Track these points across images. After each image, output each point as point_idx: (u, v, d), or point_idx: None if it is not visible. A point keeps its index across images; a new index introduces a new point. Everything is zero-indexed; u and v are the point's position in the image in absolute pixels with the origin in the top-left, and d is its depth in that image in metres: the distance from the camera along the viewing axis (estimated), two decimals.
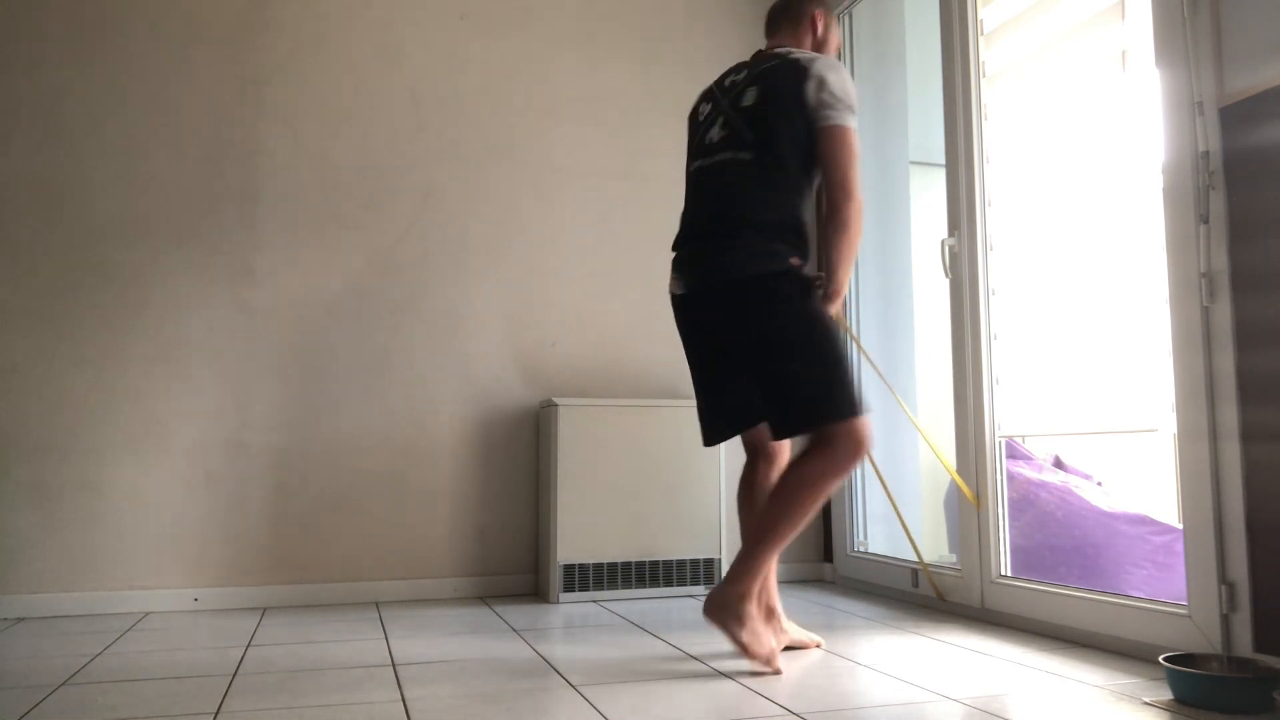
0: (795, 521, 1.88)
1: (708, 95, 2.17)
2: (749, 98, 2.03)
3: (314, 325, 2.91)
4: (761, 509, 1.95)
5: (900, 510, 3.18)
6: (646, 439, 2.92)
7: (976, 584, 2.52)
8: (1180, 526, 1.98)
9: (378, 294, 2.97)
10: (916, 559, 2.78)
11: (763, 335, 1.93)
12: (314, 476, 2.86)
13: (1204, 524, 1.90)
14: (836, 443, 1.87)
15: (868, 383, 3.23)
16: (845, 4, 3.31)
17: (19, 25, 2.75)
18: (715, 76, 3.37)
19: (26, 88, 2.74)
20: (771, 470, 2.17)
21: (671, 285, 2.10)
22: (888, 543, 3.09)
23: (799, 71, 2.00)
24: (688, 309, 2.08)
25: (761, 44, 3.47)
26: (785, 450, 2.19)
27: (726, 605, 1.91)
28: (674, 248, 2.12)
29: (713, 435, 2.16)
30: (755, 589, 1.94)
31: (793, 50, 2.08)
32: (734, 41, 3.43)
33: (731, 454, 3.14)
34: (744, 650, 1.91)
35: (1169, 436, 2.77)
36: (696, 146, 2.13)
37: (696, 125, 2.16)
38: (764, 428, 2.14)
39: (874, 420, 2.89)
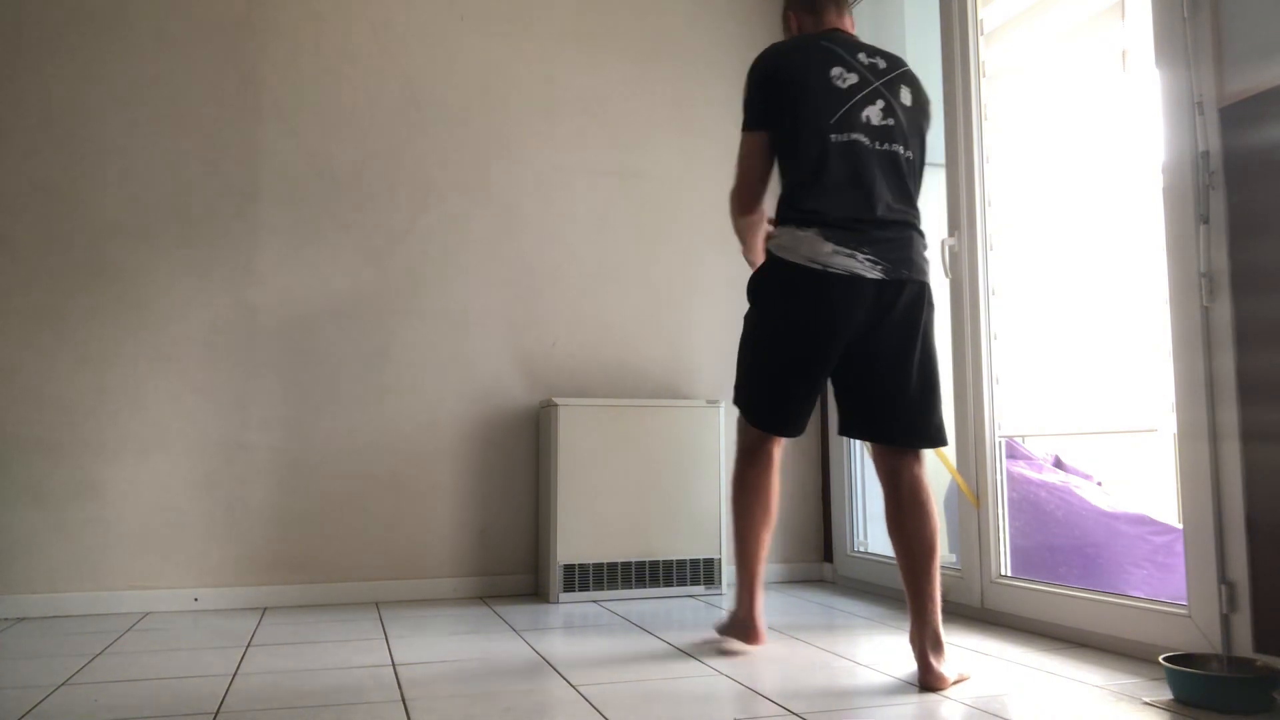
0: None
1: (835, 59, 2.02)
2: (906, 97, 2.06)
3: (314, 325, 2.91)
4: (915, 539, 1.92)
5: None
6: (646, 439, 2.92)
7: (976, 584, 2.52)
8: (1180, 526, 1.98)
9: (378, 294, 2.97)
10: None
11: (927, 340, 2.00)
12: (314, 476, 2.86)
13: (1204, 524, 1.90)
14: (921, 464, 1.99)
15: None
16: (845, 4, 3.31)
17: (19, 25, 2.75)
18: (715, 75, 3.37)
19: (27, 88, 2.74)
20: (775, 471, 2.15)
21: (846, 263, 1.90)
22: (888, 543, 3.08)
23: (923, 86, 2.13)
24: (866, 295, 1.91)
25: (759, 42, 3.48)
26: (779, 452, 2.17)
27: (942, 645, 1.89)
28: (834, 221, 1.93)
29: (790, 426, 2.07)
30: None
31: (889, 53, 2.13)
32: (734, 41, 3.43)
33: (731, 454, 3.13)
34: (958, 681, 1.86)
35: (1169, 436, 2.77)
36: (844, 116, 1.98)
37: (830, 87, 1.99)
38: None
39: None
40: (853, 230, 1.92)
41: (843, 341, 1.95)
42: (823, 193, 1.94)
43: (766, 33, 3.45)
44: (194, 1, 2.90)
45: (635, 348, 3.20)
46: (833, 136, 1.96)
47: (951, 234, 2.65)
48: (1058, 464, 3.09)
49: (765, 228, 2.13)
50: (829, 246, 1.91)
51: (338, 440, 2.89)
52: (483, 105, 3.14)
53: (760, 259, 2.10)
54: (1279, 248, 1.79)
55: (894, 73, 2.06)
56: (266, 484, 2.82)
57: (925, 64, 3.07)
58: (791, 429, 2.07)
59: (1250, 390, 1.83)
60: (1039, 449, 3.16)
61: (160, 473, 2.74)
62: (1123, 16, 2.19)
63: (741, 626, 2.16)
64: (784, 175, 2.05)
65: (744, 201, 2.11)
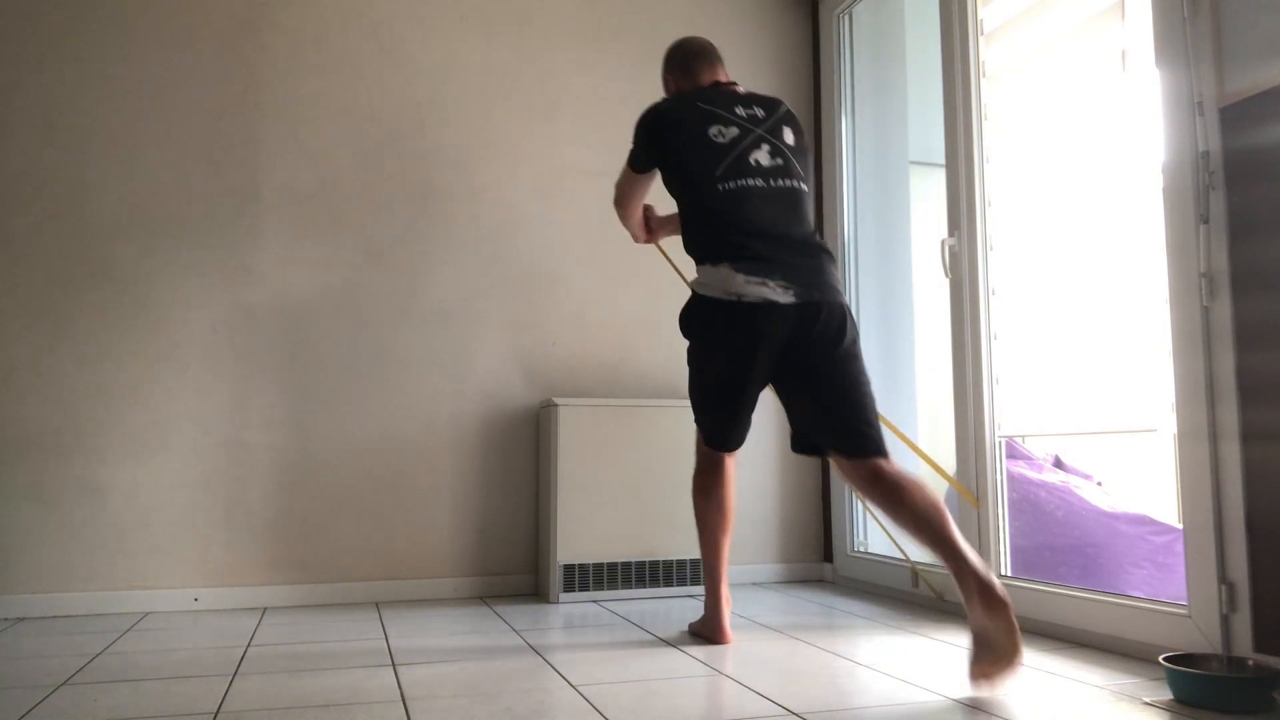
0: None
1: (711, 118, 2.21)
2: (789, 137, 2.25)
3: (314, 325, 2.91)
4: (929, 522, 1.91)
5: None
6: (646, 439, 2.92)
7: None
8: (1180, 526, 1.98)
9: (378, 294, 2.97)
10: (904, 559, 2.78)
11: (853, 356, 2.11)
12: (314, 476, 2.86)
13: (1204, 524, 1.90)
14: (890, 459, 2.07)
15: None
16: (845, 4, 3.31)
17: (19, 25, 2.75)
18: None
19: (27, 87, 2.74)
20: (730, 480, 2.31)
21: (759, 291, 2.05)
22: (887, 543, 3.09)
23: (800, 122, 2.35)
24: (784, 318, 2.05)
25: (758, 43, 3.48)
26: (731, 462, 2.33)
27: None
28: (742, 254, 2.08)
29: (731, 443, 2.27)
30: None
31: (765, 92, 2.43)
32: (734, 41, 3.43)
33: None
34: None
35: (1169, 436, 2.77)
36: (735, 164, 2.17)
37: (709, 144, 2.19)
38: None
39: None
40: (763, 260, 2.08)
41: (767, 363, 2.11)
42: (726, 232, 2.12)
43: (766, 33, 3.46)
44: (195, 1, 2.90)
45: (635, 348, 3.21)
46: (720, 186, 2.16)
47: (951, 234, 2.65)
48: (1058, 464, 3.10)
49: (640, 216, 2.55)
50: (741, 278, 2.07)
51: (338, 440, 2.89)
52: (483, 105, 3.14)
53: (639, 232, 2.57)
54: (1279, 248, 1.79)
55: (773, 118, 2.27)
56: (266, 484, 2.82)
57: (925, 64, 3.09)
58: (734, 445, 2.27)
59: (1250, 390, 1.83)
60: (1039, 449, 3.16)
61: (160, 473, 2.74)
62: (1123, 16, 2.19)
63: (710, 626, 2.27)
64: (685, 223, 2.24)
65: (621, 214, 2.53)
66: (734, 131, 2.20)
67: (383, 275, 2.98)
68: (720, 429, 2.24)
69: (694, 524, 2.91)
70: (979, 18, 2.60)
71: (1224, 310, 1.88)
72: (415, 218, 3.03)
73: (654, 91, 3.32)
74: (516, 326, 3.10)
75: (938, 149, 2.73)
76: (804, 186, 2.21)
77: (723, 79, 2.38)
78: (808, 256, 2.11)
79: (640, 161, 2.34)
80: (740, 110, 2.24)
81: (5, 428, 2.64)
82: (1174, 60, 1.99)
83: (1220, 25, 1.91)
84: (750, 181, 2.15)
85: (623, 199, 2.48)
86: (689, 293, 3.24)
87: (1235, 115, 1.87)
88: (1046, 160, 2.41)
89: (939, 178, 2.75)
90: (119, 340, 2.74)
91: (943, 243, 2.67)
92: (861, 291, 3.26)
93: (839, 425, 2.07)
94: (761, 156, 2.19)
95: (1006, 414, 2.49)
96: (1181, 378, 1.96)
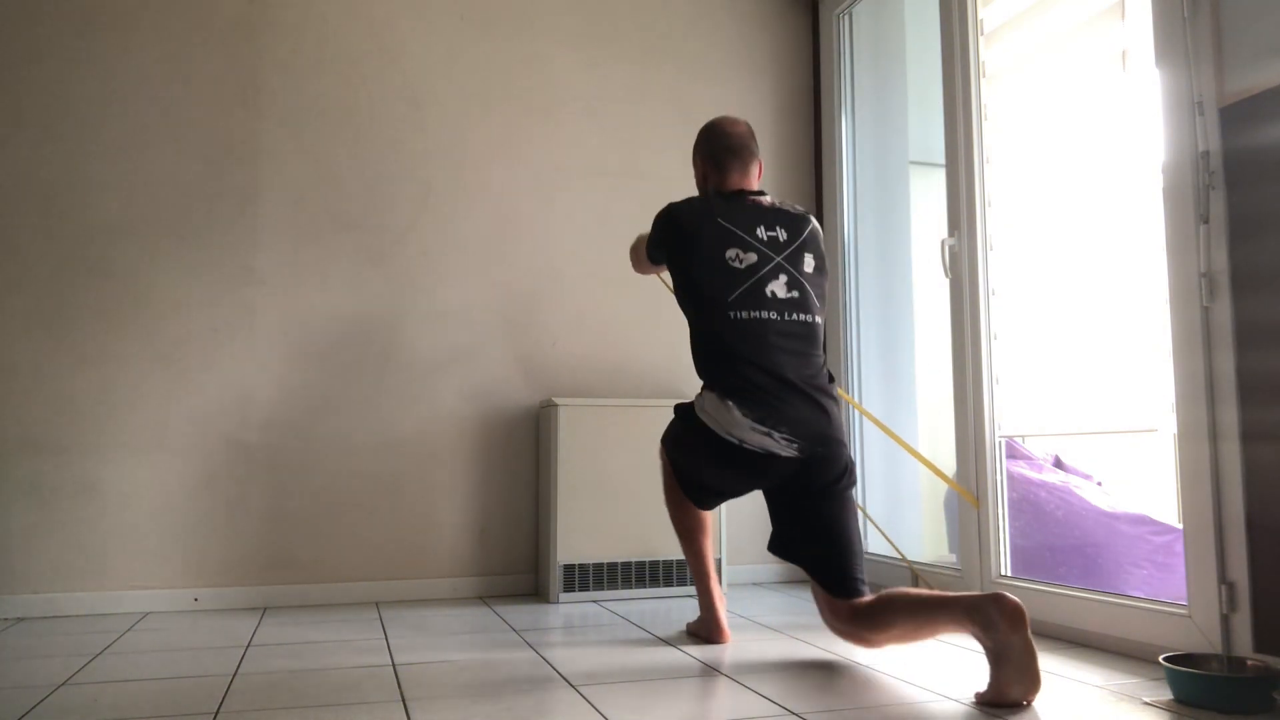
0: None
1: (731, 240, 2.15)
2: (808, 265, 2.19)
3: (314, 325, 2.91)
4: (907, 606, 1.89)
5: (895, 512, 3.18)
6: (646, 439, 2.91)
7: (976, 584, 2.51)
8: (1180, 526, 1.98)
9: (378, 294, 2.97)
10: (903, 559, 2.78)
11: (844, 504, 2.10)
12: (314, 476, 2.86)
13: (1204, 524, 1.90)
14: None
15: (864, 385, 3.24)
16: (845, 4, 3.31)
17: (19, 25, 2.75)
18: (714, 76, 3.37)
19: (27, 87, 2.74)
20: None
21: (762, 441, 2.02)
22: (888, 543, 3.09)
23: (821, 241, 2.27)
24: (785, 467, 2.05)
25: (758, 43, 3.48)
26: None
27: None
28: (749, 397, 2.04)
29: (710, 506, 2.30)
30: None
31: (794, 205, 2.31)
32: (734, 42, 3.43)
33: None
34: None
35: (1169, 436, 2.77)
36: (750, 294, 2.11)
37: (725, 268, 2.12)
38: None
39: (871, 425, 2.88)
40: (771, 407, 2.04)
41: (756, 488, 2.16)
42: (736, 366, 2.08)
43: (766, 33, 3.46)
44: (195, 1, 2.90)
45: (635, 348, 3.21)
46: (732, 314, 2.11)
47: (951, 234, 2.65)
48: (1058, 464, 3.09)
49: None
50: (747, 423, 2.03)
51: (338, 440, 2.89)
52: (483, 105, 3.14)
53: (645, 270, 2.48)
54: (1279, 248, 1.79)
55: (795, 243, 2.19)
56: (266, 484, 2.82)
57: (925, 64, 3.09)
58: (706, 508, 2.30)
59: (1250, 390, 1.83)
60: (1039, 449, 3.16)
61: (160, 473, 2.74)
62: (1123, 16, 2.19)
63: (707, 626, 2.27)
64: (694, 341, 2.19)
65: (633, 261, 2.52)
66: (752, 258, 2.13)
67: (383, 275, 2.98)
68: (700, 494, 2.26)
69: None
70: (979, 18, 2.60)
71: (1224, 310, 1.88)
72: (415, 218, 3.03)
73: (653, 92, 3.32)
74: (516, 326, 3.10)
75: (938, 149, 2.73)
76: (818, 320, 2.16)
77: (751, 186, 2.30)
78: (814, 406, 2.06)
79: (655, 255, 2.32)
80: (762, 232, 2.17)
81: (6, 428, 2.64)
82: (1174, 60, 1.99)
83: (1220, 25, 1.91)
84: (764, 314, 2.09)
85: (635, 261, 2.49)
86: None
87: (1235, 115, 1.87)
88: (1046, 160, 2.41)
89: (939, 178, 2.75)
90: (119, 340, 2.74)
91: (943, 243, 2.67)
92: (861, 291, 3.26)
93: (827, 566, 2.06)
94: (779, 288, 2.13)
95: (1006, 414, 2.49)
96: (1181, 378, 1.96)
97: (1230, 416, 1.86)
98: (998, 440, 2.52)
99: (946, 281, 2.66)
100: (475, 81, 3.14)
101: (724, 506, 2.98)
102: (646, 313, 3.22)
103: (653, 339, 3.22)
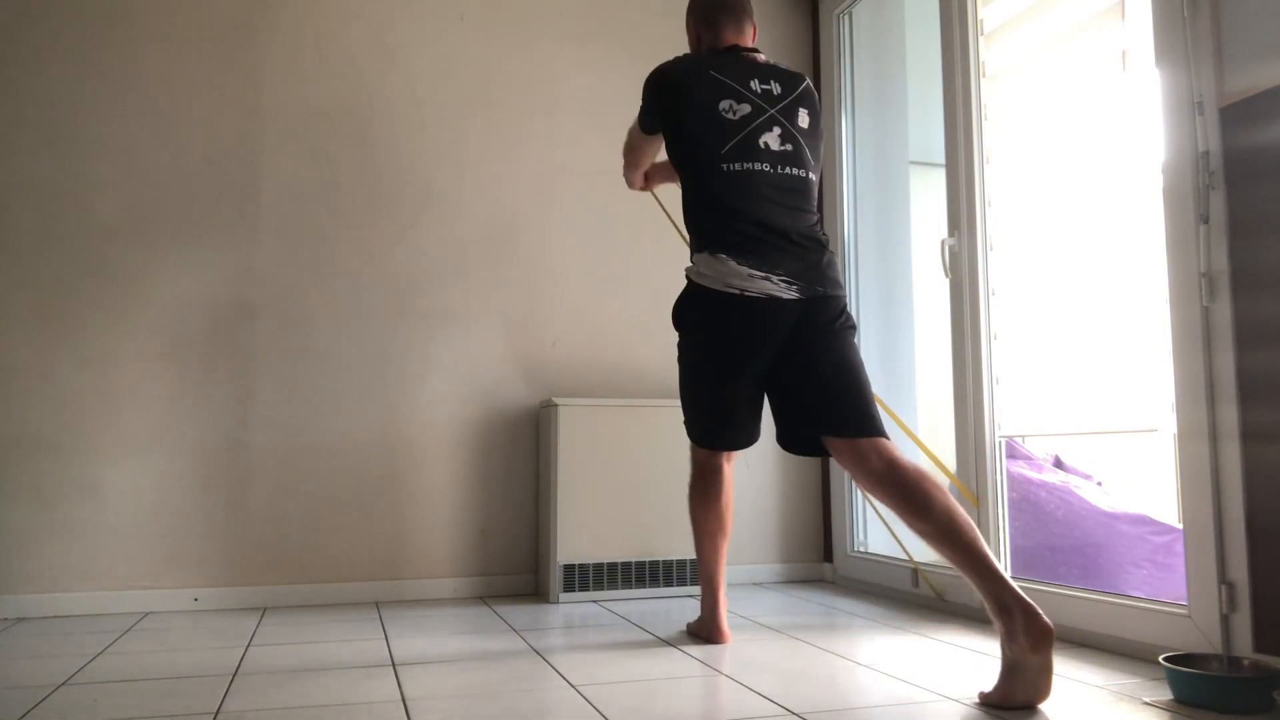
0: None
1: (724, 90, 2.11)
2: (803, 120, 2.16)
3: (314, 325, 2.91)
4: (958, 533, 1.77)
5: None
6: (646, 439, 2.92)
7: None
8: (1180, 526, 1.98)
9: (378, 294, 2.97)
10: (905, 559, 2.78)
11: (848, 344, 2.07)
12: (314, 476, 2.86)
13: (1204, 524, 1.90)
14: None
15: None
16: (845, 4, 3.31)
17: (20, 25, 2.75)
18: None
19: (28, 88, 2.74)
20: (726, 484, 2.27)
21: (763, 285, 1.99)
22: (888, 543, 3.09)
23: (817, 102, 2.23)
24: (787, 313, 2.01)
25: (758, 44, 3.47)
26: (730, 466, 2.30)
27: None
28: (745, 246, 2.01)
29: (728, 440, 2.20)
30: None
31: (785, 65, 2.27)
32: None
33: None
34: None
35: (1169, 436, 2.78)
36: (744, 145, 2.07)
37: (718, 120, 2.08)
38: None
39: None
40: (766, 255, 2.02)
41: (766, 357, 2.06)
42: (729, 220, 2.05)
43: (766, 33, 3.45)
44: (195, 1, 2.90)
45: (635, 348, 3.20)
46: (725, 166, 2.07)
47: (951, 234, 2.65)
48: (1058, 464, 3.10)
49: (644, 175, 2.52)
50: (744, 270, 2.01)
51: (338, 440, 2.89)
52: (483, 105, 3.14)
53: (636, 181, 2.52)
54: (1279, 248, 1.79)
55: (789, 97, 2.16)
56: (266, 484, 2.82)
57: (925, 64, 3.08)
58: (735, 443, 2.21)
59: (1250, 390, 1.83)
60: (1039, 449, 3.16)
61: (160, 473, 2.74)
62: (1123, 16, 2.19)
63: (707, 626, 2.27)
64: (686, 201, 2.16)
65: (630, 182, 2.54)
66: (746, 109, 2.10)
67: (382, 275, 2.98)
68: (716, 424, 2.18)
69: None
70: (979, 18, 2.60)
71: (1224, 310, 1.88)
72: (415, 217, 3.03)
73: None
74: (516, 326, 3.10)
75: (938, 149, 2.73)
76: (812, 176, 2.13)
77: (745, 42, 2.26)
78: (811, 252, 2.05)
79: (648, 121, 2.26)
80: (756, 85, 2.13)
81: (6, 428, 2.64)
82: (1174, 60, 1.99)
83: (1220, 25, 1.91)
84: (757, 166, 2.06)
85: (630, 156, 2.43)
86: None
87: (1235, 115, 1.87)
88: (1046, 160, 2.41)
89: (939, 178, 2.75)
90: (119, 340, 2.74)
91: (943, 243, 2.67)
92: (861, 291, 3.26)
93: (835, 405, 1.99)
94: (772, 139, 2.09)
95: (1006, 414, 2.49)
96: (1181, 378, 1.96)
97: (1230, 416, 1.86)
98: (998, 440, 2.52)
99: (946, 281, 2.66)
100: (475, 81, 3.14)
101: None
102: (647, 312, 3.22)
103: (652, 339, 3.22)
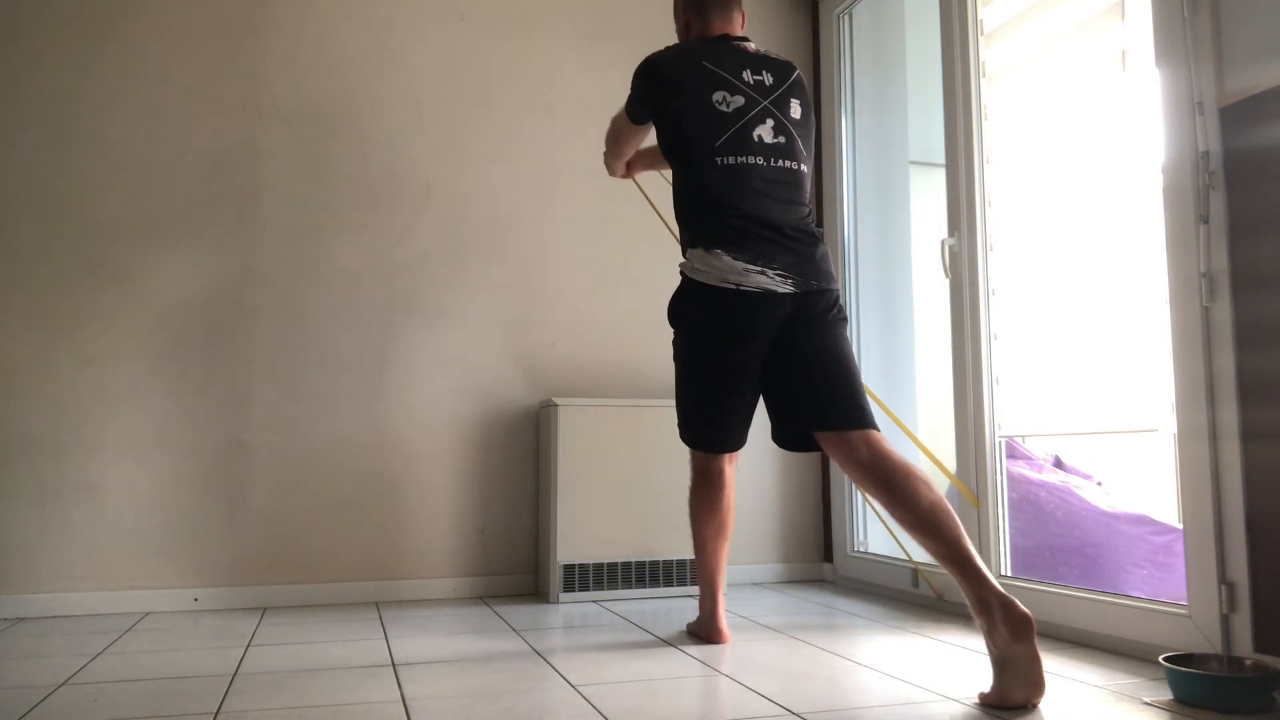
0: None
1: (717, 82, 2.10)
2: (795, 111, 2.16)
3: (314, 325, 2.91)
4: (940, 526, 1.79)
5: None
6: (646, 439, 2.92)
7: None
8: (1180, 526, 1.98)
9: (377, 294, 2.97)
10: (904, 559, 2.78)
11: (840, 338, 2.08)
12: (313, 476, 2.86)
13: (1204, 524, 1.90)
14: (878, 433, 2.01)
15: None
16: (845, 4, 3.31)
17: (21, 25, 2.75)
18: None
19: (28, 88, 2.74)
20: (727, 486, 2.26)
21: (758, 280, 2.00)
22: (888, 543, 3.09)
23: (808, 91, 2.23)
24: (782, 307, 2.02)
25: (758, 45, 3.47)
26: (730, 468, 2.29)
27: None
28: (739, 241, 2.02)
29: (725, 442, 2.20)
30: None
31: (774, 53, 2.26)
32: None
33: None
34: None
35: (1169, 436, 2.78)
36: (737, 138, 2.07)
37: (712, 111, 2.08)
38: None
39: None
40: (760, 250, 2.03)
41: (761, 350, 2.07)
42: (723, 215, 2.05)
43: (766, 33, 3.45)
44: (195, 1, 2.90)
45: (635, 348, 3.20)
46: (718, 160, 2.07)
47: (951, 234, 2.65)
48: (1058, 464, 3.10)
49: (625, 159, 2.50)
50: (740, 265, 2.02)
51: (337, 440, 2.89)
52: (483, 105, 3.14)
53: (618, 169, 2.52)
54: (1279, 248, 1.79)
55: (781, 87, 2.16)
56: (266, 484, 2.82)
57: (925, 64, 3.09)
58: (729, 444, 2.21)
59: (1250, 390, 1.83)
60: (1039, 449, 3.16)
61: (160, 473, 2.74)
62: (1123, 16, 2.19)
63: (706, 626, 2.27)
64: (677, 193, 2.16)
65: (611, 169, 2.54)
66: (739, 101, 2.10)
67: (382, 275, 2.98)
68: (713, 426, 2.18)
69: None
70: (979, 18, 2.60)
71: (1224, 310, 1.88)
72: (415, 218, 3.03)
73: None
74: (516, 326, 3.10)
75: (938, 149, 2.73)
76: (804, 168, 2.14)
77: (735, 31, 2.25)
78: (805, 245, 2.06)
79: (637, 111, 2.25)
80: (748, 75, 2.13)
81: (6, 428, 2.64)
82: (1174, 60, 1.99)
83: (1220, 25, 1.91)
84: (751, 159, 2.07)
85: (614, 144, 2.41)
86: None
87: (1235, 115, 1.87)
88: (1046, 160, 2.41)
89: (939, 178, 2.75)
90: (119, 340, 2.74)
91: (943, 243, 2.67)
92: (861, 292, 3.26)
93: (824, 396, 2.00)
94: (765, 132, 2.10)
95: (1006, 414, 2.49)
96: (1181, 378, 1.96)
97: (1230, 416, 1.86)
98: (998, 440, 2.52)
99: (946, 281, 2.66)
100: (475, 81, 3.14)
101: None
102: (646, 313, 3.22)
103: (652, 339, 3.22)
